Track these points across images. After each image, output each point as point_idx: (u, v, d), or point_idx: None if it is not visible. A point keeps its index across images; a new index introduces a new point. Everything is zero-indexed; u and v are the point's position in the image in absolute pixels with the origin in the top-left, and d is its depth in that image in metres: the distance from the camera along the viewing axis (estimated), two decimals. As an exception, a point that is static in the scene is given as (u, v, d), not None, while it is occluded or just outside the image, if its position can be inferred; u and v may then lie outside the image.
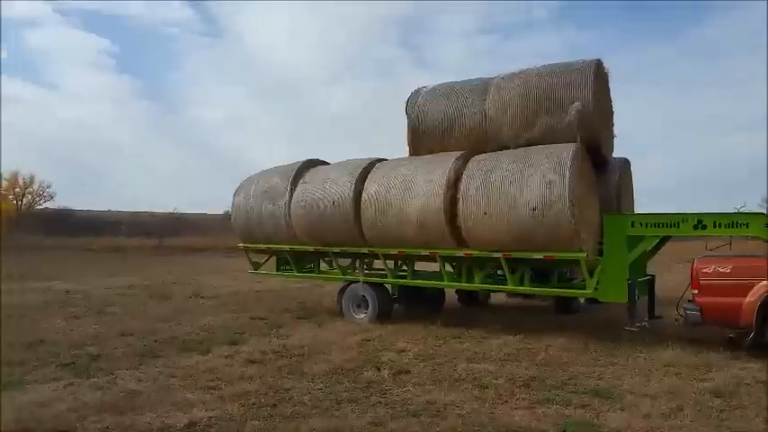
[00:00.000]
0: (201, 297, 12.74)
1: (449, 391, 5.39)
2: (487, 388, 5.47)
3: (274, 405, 4.96)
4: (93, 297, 12.45)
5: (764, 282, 6.63)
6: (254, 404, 4.97)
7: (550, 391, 5.39)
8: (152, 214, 43.97)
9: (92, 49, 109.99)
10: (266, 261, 11.25)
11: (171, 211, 42.16)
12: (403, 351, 7.13)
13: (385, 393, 5.35)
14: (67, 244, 32.56)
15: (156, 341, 7.69)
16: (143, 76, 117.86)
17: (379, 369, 6.19)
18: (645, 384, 5.57)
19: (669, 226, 7.71)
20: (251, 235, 10.50)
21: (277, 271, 10.97)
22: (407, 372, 6.12)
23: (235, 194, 10.76)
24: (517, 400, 5.12)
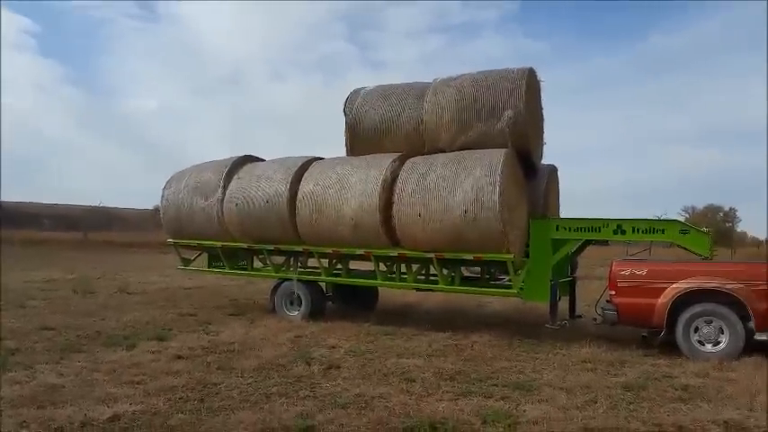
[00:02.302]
0: (128, 293, 12.39)
1: (377, 384, 5.50)
2: (414, 381, 5.61)
3: (201, 399, 4.92)
4: (12, 290, 11.85)
5: (676, 284, 7.10)
6: (180, 398, 4.91)
7: (474, 384, 5.59)
8: (76, 207, 42.04)
9: (10, 28, 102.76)
10: (197, 257, 11.06)
11: (96, 204, 40.44)
12: (334, 347, 7.21)
13: (314, 387, 5.40)
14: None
15: (78, 336, 7.45)
16: (69, 60, 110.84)
17: (309, 364, 6.24)
18: (562, 378, 5.87)
19: (591, 230, 8.15)
20: (181, 230, 10.29)
21: (209, 267, 10.79)
22: (338, 367, 6.20)
23: (165, 188, 10.51)
24: (442, 392, 5.28)
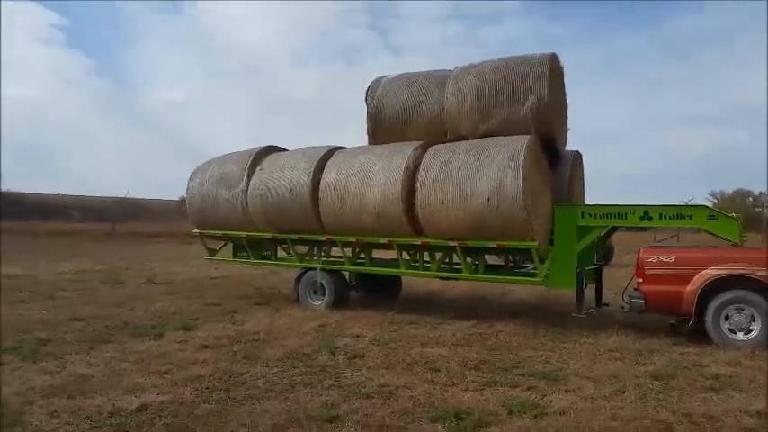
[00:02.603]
0: (155, 283, 12.56)
1: (402, 374, 5.49)
2: (439, 371, 5.59)
3: (227, 389, 4.96)
4: (42, 282, 12.12)
5: (705, 271, 6.95)
6: (206, 388, 4.96)
7: (499, 373, 5.55)
8: (105, 199, 42.76)
9: (40, 22, 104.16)
10: (222, 247, 11.16)
11: (124, 195, 41.07)
12: (358, 336, 7.22)
13: (339, 377, 5.42)
14: (16, 228, 31.47)
15: (107, 326, 7.57)
16: (95, 53, 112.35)
17: (333, 354, 6.26)
18: (589, 368, 5.79)
19: (617, 217, 8.00)
20: (206, 221, 10.38)
21: (233, 257, 10.89)
22: (362, 356, 6.21)
23: (190, 179, 10.61)
24: (467, 382, 5.26)
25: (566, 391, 5.00)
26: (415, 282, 11.62)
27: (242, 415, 4.30)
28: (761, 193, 56.99)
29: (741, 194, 60.24)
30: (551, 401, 4.69)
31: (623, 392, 4.96)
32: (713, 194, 58.81)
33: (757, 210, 53.01)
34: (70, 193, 52.29)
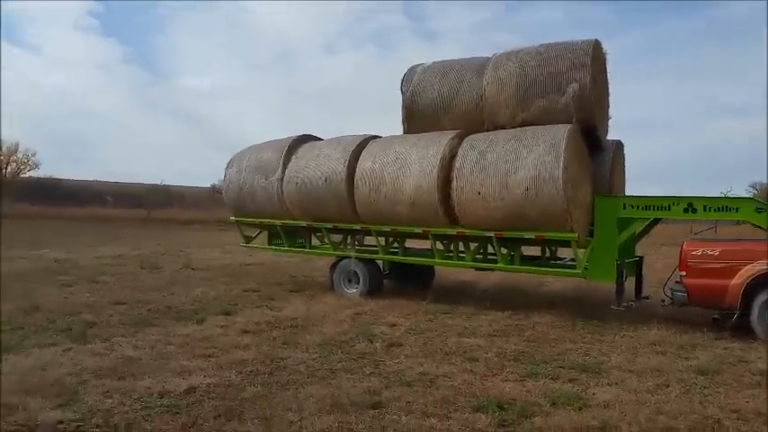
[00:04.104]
0: (192, 269, 12.80)
1: (440, 363, 5.51)
2: (478, 361, 5.59)
3: (271, 373, 5.05)
4: (83, 266, 12.45)
5: (750, 265, 6.79)
6: (251, 372, 5.06)
7: (539, 365, 5.52)
8: (139, 186, 43.64)
9: (75, 10, 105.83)
10: (258, 235, 11.30)
11: (159, 183, 41.89)
12: (394, 325, 7.25)
13: (378, 364, 5.47)
14: (54, 213, 32.33)
15: (150, 310, 7.76)
16: (130, 40, 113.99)
17: (371, 341, 6.31)
18: (631, 361, 5.72)
19: (660, 209, 7.85)
20: (243, 209, 10.53)
21: (269, 245, 11.02)
22: (399, 344, 6.24)
23: (227, 167, 10.76)
24: (507, 373, 5.25)
25: (608, 384, 4.96)
26: (447, 271, 11.60)
27: (288, 398, 4.38)
28: (802, 184, 55.30)
29: (782, 186, 58.47)
30: (594, 394, 4.65)
31: (667, 386, 4.90)
32: (753, 185, 57.19)
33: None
34: (105, 179, 53.40)
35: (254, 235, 11.26)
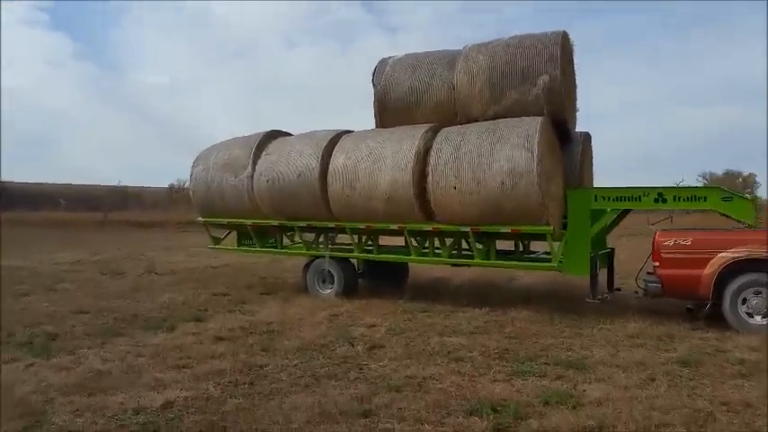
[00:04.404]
0: (156, 273, 12.34)
1: (426, 365, 5.38)
2: (463, 361, 5.49)
3: (251, 383, 4.84)
4: (41, 274, 11.89)
5: (722, 254, 6.88)
6: (230, 382, 4.83)
7: (524, 363, 5.45)
8: (96, 187, 42.24)
9: (23, 4, 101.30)
10: (226, 236, 10.97)
11: (116, 183, 40.56)
12: (373, 326, 7.10)
13: (362, 368, 5.31)
14: (3, 218, 30.95)
15: (116, 319, 7.40)
16: (80, 35, 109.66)
17: (352, 344, 6.15)
18: (614, 355, 5.71)
19: (631, 200, 7.90)
20: (211, 208, 10.17)
21: (238, 246, 10.71)
22: (381, 346, 6.09)
23: (193, 166, 10.37)
24: (494, 372, 5.15)
25: (597, 380, 4.91)
26: (421, 268, 11.50)
27: (272, 410, 4.18)
28: (750, 173, 57.40)
29: (731, 175, 60.60)
30: (585, 391, 4.60)
31: (654, 380, 4.89)
32: (703, 175, 59.14)
33: (747, 191, 53.30)
34: (58, 181, 51.52)
35: (222, 236, 10.91)
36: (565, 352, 5.91)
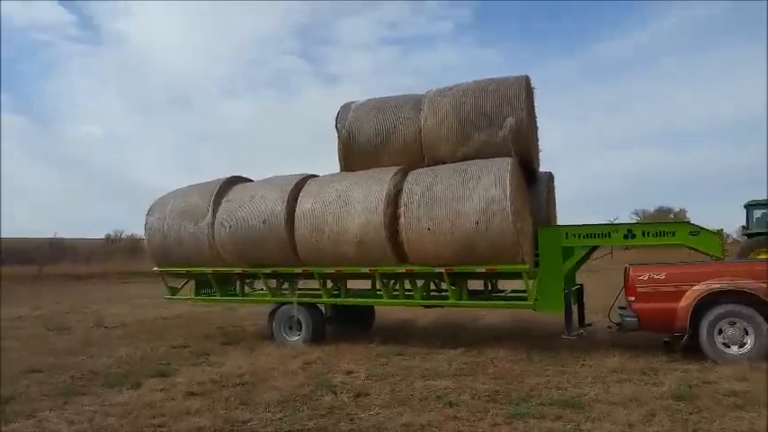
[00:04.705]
0: (105, 327, 11.61)
1: (419, 411, 5.13)
2: (457, 405, 5.27)
3: (238, 440, 4.47)
4: (-23, 332, 10.95)
5: (696, 286, 7.00)
6: (214, 441, 4.46)
7: (519, 404, 5.28)
8: (30, 240, 40.13)
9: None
10: (183, 285, 10.46)
11: (52, 236, 38.64)
12: (351, 372, 6.80)
13: (353, 419, 5.01)
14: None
15: (73, 377, 6.82)
16: (11, 87, 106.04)
17: (335, 393, 5.83)
18: (605, 391, 5.63)
19: (601, 236, 8.05)
20: (168, 257, 9.69)
21: (196, 295, 10.21)
22: (366, 394, 5.81)
23: (148, 215, 9.92)
24: (491, 416, 4.96)
25: (598, 419, 4.79)
26: (385, 310, 11.27)
27: (270, 470, 3.84)
28: (680, 209, 60.27)
29: (663, 211, 63.48)
30: (591, 431, 4.46)
31: (654, 416, 4.81)
32: (636, 212, 61.70)
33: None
34: (-14, 234, 48.60)
35: (179, 286, 10.39)
36: (555, 390, 5.78)
